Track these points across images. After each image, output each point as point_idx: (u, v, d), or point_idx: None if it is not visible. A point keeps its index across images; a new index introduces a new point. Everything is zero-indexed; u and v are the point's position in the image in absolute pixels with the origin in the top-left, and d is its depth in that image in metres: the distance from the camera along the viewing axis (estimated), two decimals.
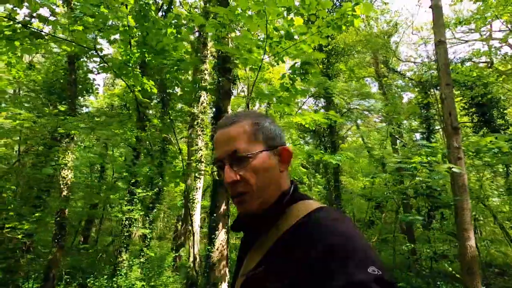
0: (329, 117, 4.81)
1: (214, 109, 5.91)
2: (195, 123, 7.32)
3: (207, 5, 6.59)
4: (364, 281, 0.50)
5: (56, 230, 5.48)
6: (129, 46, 4.22)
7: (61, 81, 7.24)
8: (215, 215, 4.91)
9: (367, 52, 11.02)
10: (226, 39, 5.23)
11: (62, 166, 5.92)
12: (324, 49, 8.88)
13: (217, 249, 4.76)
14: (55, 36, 3.55)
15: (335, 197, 7.47)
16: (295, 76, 3.76)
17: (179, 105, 8.46)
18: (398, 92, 14.56)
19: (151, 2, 5.47)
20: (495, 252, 10.33)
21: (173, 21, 4.23)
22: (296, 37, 4.01)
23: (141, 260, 8.19)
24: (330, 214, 0.65)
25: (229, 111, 5.59)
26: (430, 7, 7.56)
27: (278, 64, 4.35)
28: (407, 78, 13.18)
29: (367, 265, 0.52)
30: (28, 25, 3.22)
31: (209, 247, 4.82)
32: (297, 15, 3.70)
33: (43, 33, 3.43)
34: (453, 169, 5.54)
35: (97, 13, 3.40)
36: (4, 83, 6.03)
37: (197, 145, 7.01)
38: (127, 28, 3.88)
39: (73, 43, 3.57)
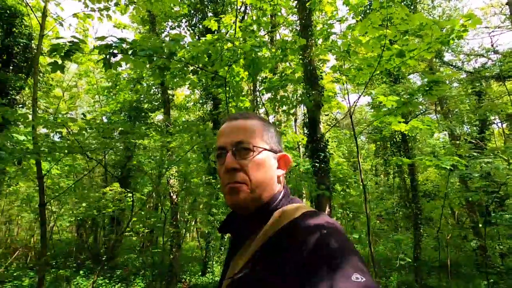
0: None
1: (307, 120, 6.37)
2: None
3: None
4: None
5: (173, 233, 6.31)
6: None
7: None
8: None
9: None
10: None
11: (169, 176, 6.76)
12: None
13: None
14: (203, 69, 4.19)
15: (412, 196, 7.68)
16: (417, 92, 4.13)
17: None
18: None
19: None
20: None
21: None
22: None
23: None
24: (317, 219, 0.65)
25: (321, 121, 6.05)
26: (506, 3, 7.53)
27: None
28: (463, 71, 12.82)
29: (351, 273, 0.53)
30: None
31: None
32: (412, 35, 4.07)
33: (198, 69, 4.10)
34: None
35: None
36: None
37: None
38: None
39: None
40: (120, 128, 4.19)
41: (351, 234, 6.04)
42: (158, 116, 12.14)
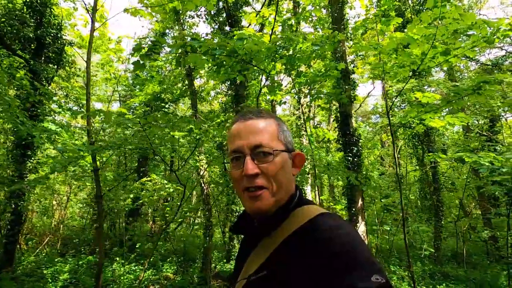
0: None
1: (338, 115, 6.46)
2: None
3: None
4: None
5: (206, 222, 6.53)
6: None
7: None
8: (354, 209, 5.61)
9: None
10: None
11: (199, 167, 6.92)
12: None
13: None
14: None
15: (434, 189, 7.89)
16: (465, 91, 4.22)
17: None
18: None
19: None
20: None
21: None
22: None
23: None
24: (334, 220, 0.65)
25: (353, 116, 6.15)
26: None
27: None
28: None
29: (371, 273, 0.53)
30: None
31: None
32: (460, 34, 4.13)
33: None
34: None
35: None
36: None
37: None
38: None
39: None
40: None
41: (381, 225, 6.25)
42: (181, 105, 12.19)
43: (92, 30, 4.38)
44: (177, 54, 3.10)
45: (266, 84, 5.62)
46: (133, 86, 8.93)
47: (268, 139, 0.71)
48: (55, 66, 7.20)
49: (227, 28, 8.27)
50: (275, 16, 5.50)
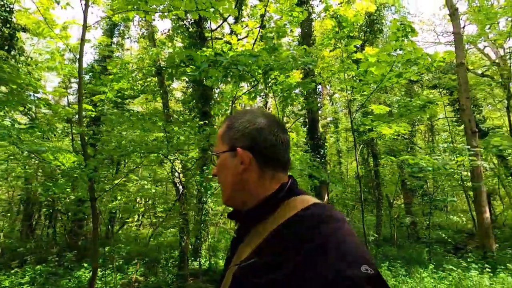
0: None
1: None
2: None
3: None
4: (354, 276, 0.51)
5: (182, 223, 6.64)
6: None
7: None
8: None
9: None
10: None
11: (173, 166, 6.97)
12: None
13: None
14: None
15: (376, 184, 9.40)
16: (414, 108, 5.34)
17: None
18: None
19: None
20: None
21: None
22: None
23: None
24: (324, 211, 0.66)
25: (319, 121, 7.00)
26: (452, 33, 9.48)
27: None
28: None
29: (360, 264, 0.53)
30: None
31: None
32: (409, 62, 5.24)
33: None
34: (471, 162, 7.58)
35: None
36: None
37: None
38: None
39: None
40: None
41: None
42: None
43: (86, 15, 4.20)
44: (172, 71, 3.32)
45: (250, 89, 6.06)
46: (100, 81, 8.29)
47: (217, 143, 0.80)
48: (6, 53, 6.36)
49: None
50: (259, 29, 5.98)
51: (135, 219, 10.12)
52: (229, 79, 4.61)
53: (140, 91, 9.59)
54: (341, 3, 7.17)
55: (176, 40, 9.28)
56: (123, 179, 5.74)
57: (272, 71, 5.07)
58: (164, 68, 8.21)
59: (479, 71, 14.14)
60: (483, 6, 9.75)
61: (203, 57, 3.39)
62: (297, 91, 6.09)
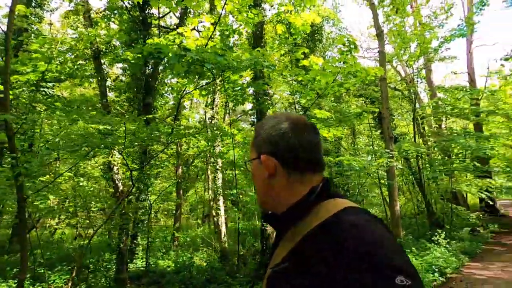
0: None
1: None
2: None
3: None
4: None
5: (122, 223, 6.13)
6: None
7: None
8: None
9: None
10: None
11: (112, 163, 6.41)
12: None
13: None
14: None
15: None
16: (352, 115, 6.04)
17: None
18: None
19: None
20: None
21: None
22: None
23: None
24: (359, 216, 0.65)
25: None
26: (378, 51, 10.92)
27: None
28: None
29: (395, 274, 0.51)
30: None
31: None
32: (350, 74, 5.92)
33: None
34: (389, 163, 9.00)
35: None
36: None
37: None
38: None
39: None
40: None
41: None
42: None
43: None
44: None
45: (205, 86, 5.96)
46: (16, 58, 6.86)
47: (251, 151, 0.83)
48: None
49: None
50: (215, 26, 5.93)
51: (57, 220, 8.87)
52: (188, 74, 4.49)
53: (68, 75, 8.45)
54: (291, 11, 7.60)
55: (113, 22, 8.43)
56: (61, 176, 5.01)
57: (230, 69, 5.13)
58: (103, 52, 7.40)
59: (392, 85, 16.71)
60: (401, 31, 11.52)
61: (171, 50, 3.23)
62: (250, 91, 6.25)
